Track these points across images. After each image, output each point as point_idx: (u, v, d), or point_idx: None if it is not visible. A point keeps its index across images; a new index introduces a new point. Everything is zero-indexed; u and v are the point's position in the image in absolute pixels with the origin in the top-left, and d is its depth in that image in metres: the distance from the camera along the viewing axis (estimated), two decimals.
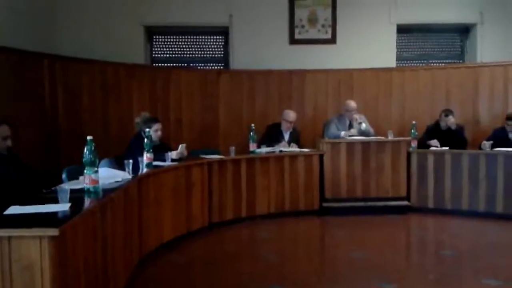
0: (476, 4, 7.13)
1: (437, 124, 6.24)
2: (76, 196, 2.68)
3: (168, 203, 4.56)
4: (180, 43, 7.43)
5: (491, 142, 5.82)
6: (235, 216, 5.52)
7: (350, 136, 6.07)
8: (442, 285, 3.72)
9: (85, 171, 2.81)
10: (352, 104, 6.22)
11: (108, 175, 3.29)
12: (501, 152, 5.64)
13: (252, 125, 5.78)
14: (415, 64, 7.48)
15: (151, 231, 4.17)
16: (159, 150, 4.79)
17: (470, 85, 6.70)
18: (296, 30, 7.19)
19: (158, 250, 4.33)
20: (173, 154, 4.98)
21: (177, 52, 7.42)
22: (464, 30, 7.47)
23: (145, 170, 4.21)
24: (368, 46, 7.14)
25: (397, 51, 7.29)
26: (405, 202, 5.95)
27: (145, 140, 4.36)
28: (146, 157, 4.30)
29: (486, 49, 7.14)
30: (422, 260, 4.54)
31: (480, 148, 5.87)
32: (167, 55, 7.38)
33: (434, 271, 4.04)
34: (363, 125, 6.14)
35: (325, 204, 5.90)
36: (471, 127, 6.50)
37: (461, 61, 7.51)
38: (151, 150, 4.35)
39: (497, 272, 3.89)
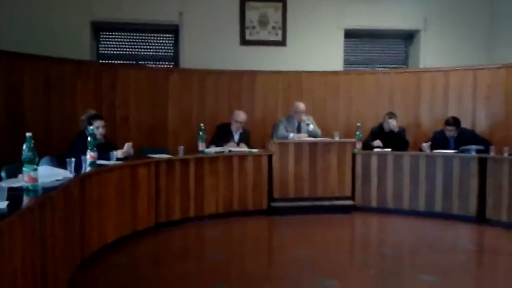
0: (420, 12, 7.43)
1: (381, 126, 6.45)
2: (14, 195, 2.58)
3: (113, 203, 4.45)
4: (128, 40, 7.29)
5: (430, 143, 6.08)
6: (183, 216, 5.48)
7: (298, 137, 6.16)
8: (381, 281, 3.84)
9: (23, 168, 2.71)
10: (301, 106, 6.32)
11: (48, 174, 3.18)
12: (440, 154, 5.90)
13: (202, 124, 5.76)
14: (361, 68, 7.70)
15: (94, 231, 4.06)
16: (104, 149, 4.70)
17: (412, 89, 6.96)
18: (247, 31, 7.23)
19: (102, 251, 4.23)
20: (118, 153, 4.89)
21: (125, 50, 7.27)
22: (408, 36, 7.77)
23: (88, 169, 4.11)
24: (317, 49, 7.29)
25: (344, 55, 7.48)
26: (350, 202, 6.11)
27: (89, 138, 4.25)
28: (90, 155, 4.21)
29: (428, 55, 7.45)
30: (364, 257, 4.68)
31: (420, 150, 6.12)
32: (115, 52, 7.22)
33: (374, 267, 4.18)
34: (311, 126, 6.26)
35: (273, 204, 5.96)
36: (413, 129, 6.74)
37: (404, 66, 7.80)
38: (94, 149, 4.25)
39: (434, 268, 4.07)
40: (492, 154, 5.60)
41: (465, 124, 6.27)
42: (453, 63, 6.94)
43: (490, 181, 5.54)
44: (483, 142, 5.89)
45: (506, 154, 5.43)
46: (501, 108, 6.33)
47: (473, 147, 5.77)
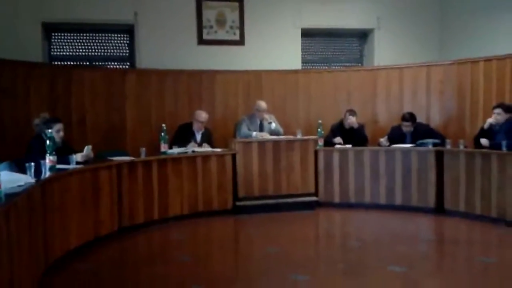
0: (373, 11, 7.62)
1: (341, 123, 6.56)
2: None
3: (74, 208, 4.29)
4: (81, 41, 7.05)
5: (386, 137, 6.26)
6: (147, 219, 5.36)
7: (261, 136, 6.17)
8: (351, 273, 3.90)
9: None
10: (263, 104, 6.33)
11: (10, 179, 3.01)
12: (398, 148, 6.07)
13: (164, 125, 5.65)
14: (318, 67, 7.80)
15: (56, 238, 3.90)
16: (62, 153, 4.53)
17: (369, 86, 7.13)
18: (205, 31, 7.17)
19: (65, 258, 4.06)
20: (78, 157, 4.72)
21: (78, 51, 7.03)
22: (363, 35, 7.96)
23: (48, 173, 3.93)
24: (275, 48, 7.32)
25: (301, 54, 7.56)
26: (313, 198, 6.19)
27: (47, 142, 4.09)
28: (49, 160, 4.05)
29: (382, 53, 7.65)
30: (332, 252, 4.72)
31: (379, 145, 6.27)
32: (67, 54, 6.96)
33: (343, 261, 4.25)
34: (273, 125, 6.29)
35: (238, 203, 5.94)
36: (370, 125, 6.90)
37: (360, 64, 7.98)
38: (54, 153, 4.09)
39: (400, 259, 4.17)
40: (448, 147, 5.81)
41: (420, 118, 6.48)
42: (407, 60, 7.17)
43: (447, 173, 5.76)
44: (438, 136, 6.12)
45: (462, 147, 5.65)
46: (453, 103, 6.58)
47: (430, 140, 5.98)
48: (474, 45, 6.89)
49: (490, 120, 5.51)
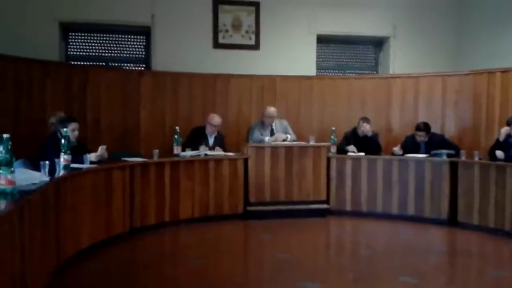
0: (389, 19, 7.58)
1: (354, 130, 6.53)
2: None
3: (87, 208, 4.32)
4: (98, 41, 7.11)
5: (400, 146, 6.21)
6: (158, 221, 5.37)
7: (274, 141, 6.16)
8: (362, 283, 3.86)
9: (0, 171, 2.58)
10: (271, 110, 6.32)
11: (24, 177, 3.04)
12: (412, 158, 6.02)
13: (177, 128, 5.67)
14: (332, 73, 7.78)
15: (68, 237, 3.92)
16: (76, 152, 4.55)
17: (383, 94, 7.09)
18: (220, 35, 7.19)
19: (76, 257, 4.08)
20: (92, 156, 4.75)
21: (94, 51, 7.08)
22: (378, 43, 7.93)
23: (62, 172, 3.96)
24: (290, 54, 7.32)
25: (316, 60, 7.55)
26: (324, 206, 6.15)
27: (62, 140, 4.12)
28: (64, 158, 4.08)
29: (397, 61, 7.61)
30: (343, 260, 4.70)
31: (392, 154, 6.23)
32: (84, 54, 7.02)
33: (354, 270, 4.21)
34: (289, 137, 6.27)
35: (249, 208, 5.93)
36: (384, 134, 6.85)
37: (374, 72, 7.94)
38: (68, 152, 4.12)
39: (412, 270, 4.13)
40: (463, 158, 5.75)
41: (435, 129, 6.43)
42: (422, 70, 7.12)
43: (461, 185, 5.69)
44: (453, 147, 6.05)
45: (476, 158, 5.59)
46: (469, 114, 6.52)
47: (444, 151, 5.91)
48: (491, 55, 6.82)
49: (504, 131, 5.44)
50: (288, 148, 6.05)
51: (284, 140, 6.22)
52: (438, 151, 5.94)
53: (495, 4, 6.96)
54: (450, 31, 7.64)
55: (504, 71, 6.13)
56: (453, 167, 5.78)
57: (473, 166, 5.56)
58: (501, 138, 5.49)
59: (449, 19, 7.65)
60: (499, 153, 5.39)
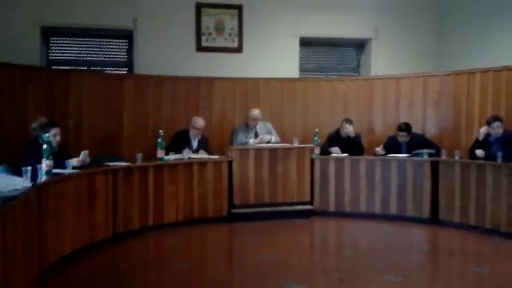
0: (371, 21, 7.67)
1: (337, 132, 6.59)
2: None
3: (70, 213, 4.28)
4: (79, 45, 7.06)
5: (381, 146, 6.28)
6: (142, 225, 5.35)
7: (258, 144, 6.18)
8: (347, 283, 3.90)
9: None
10: (256, 112, 6.35)
11: (6, 183, 3.00)
12: (394, 158, 6.10)
13: (161, 131, 5.65)
14: (315, 75, 7.84)
15: (51, 243, 3.88)
16: (58, 157, 4.50)
17: (365, 96, 7.16)
18: (203, 38, 7.19)
19: (59, 263, 4.04)
20: (74, 161, 4.70)
21: (76, 55, 7.03)
22: (360, 45, 8.00)
23: (44, 178, 3.93)
24: (273, 56, 7.35)
25: (299, 63, 7.59)
26: (309, 207, 6.19)
27: (44, 146, 4.08)
28: (45, 164, 4.04)
29: (379, 63, 7.70)
30: (328, 261, 4.73)
31: (375, 154, 6.30)
32: (66, 58, 6.97)
33: (339, 270, 4.25)
34: (273, 138, 6.29)
35: (233, 211, 5.93)
36: (367, 135, 6.92)
37: (357, 74, 8.02)
38: (50, 157, 4.08)
39: (395, 269, 4.19)
40: (443, 157, 5.84)
41: (416, 129, 6.52)
42: (403, 71, 7.21)
43: (442, 184, 5.79)
44: (434, 146, 6.15)
45: (457, 158, 5.68)
46: (449, 114, 6.62)
47: (425, 151, 6.00)
48: (471, 56, 6.96)
49: (484, 131, 5.54)
50: (272, 150, 6.08)
51: (268, 142, 6.24)
52: (420, 151, 6.02)
53: (475, 6, 7.09)
54: (430, 32, 7.76)
55: (484, 72, 6.23)
56: (434, 166, 5.87)
57: (454, 165, 5.66)
58: (480, 138, 5.59)
59: (430, 21, 7.77)
60: (479, 152, 5.49)
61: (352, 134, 6.47)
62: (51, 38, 6.90)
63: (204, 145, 6.23)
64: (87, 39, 7.06)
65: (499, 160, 5.21)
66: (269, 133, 6.44)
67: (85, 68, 6.97)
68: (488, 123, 5.52)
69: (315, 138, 6.41)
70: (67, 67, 6.86)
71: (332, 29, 7.59)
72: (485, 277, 4.07)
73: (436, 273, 4.34)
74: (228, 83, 6.94)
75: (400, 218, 5.98)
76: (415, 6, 7.76)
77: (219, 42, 7.26)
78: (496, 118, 5.49)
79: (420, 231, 5.68)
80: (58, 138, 4.72)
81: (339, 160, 6.28)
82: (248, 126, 6.40)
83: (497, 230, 5.17)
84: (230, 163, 5.96)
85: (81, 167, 4.76)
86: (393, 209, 6.07)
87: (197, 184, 5.79)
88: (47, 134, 4.28)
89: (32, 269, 3.38)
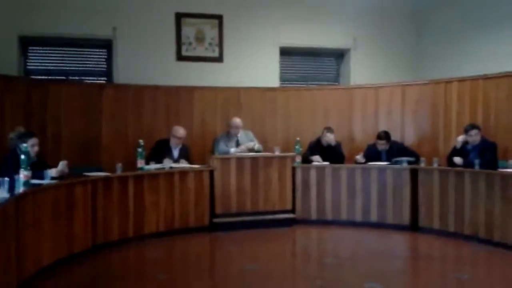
0: (350, 32, 7.78)
1: (318, 140, 6.63)
2: None
3: (48, 224, 4.20)
4: (58, 55, 6.98)
5: (362, 154, 6.34)
6: (121, 236, 5.26)
7: (239, 152, 6.18)
8: None
9: None
10: (237, 121, 6.35)
11: None
12: (375, 166, 6.16)
13: (141, 141, 5.60)
14: (295, 85, 7.90)
15: (29, 255, 3.80)
16: (37, 168, 4.45)
17: (345, 105, 7.23)
18: (184, 47, 7.19)
19: (38, 275, 3.95)
20: (53, 172, 4.64)
21: (54, 65, 6.95)
22: (340, 55, 8.10)
23: (22, 188, 3.85)
24: (253, 65, 7.39)
25: (280, 72, 7.64)
26: (291, 215, 6.19)
27: (22, 156, 4.01)
28: (23, 174, 3.97)
29: (358, 72, 7.80)
30: (310, 269, 4.73)
31: (355, 162, 6.35)
32: (44, 68, 6.88)
33: (321, 278, 4.24)
34: (256, 145, 6.29)
35: (215, 220, 5.90)
36: (347, 143, 6.97)
37: (336, 83, 8.11)
38: (28, 167, 4.01)
39: (377, 276, 4.21)
40: (422, 165, 5.92)
41: (395, 137, 6.60)
42: (381, 80, 7.31)
43: (421, 191, 5.86)
44: (413, 154, 6.23)
45: (436, 165, 5.77)
46: (428, 122, 6.72)
47: (404, 159, 6.08)
48: (448, 66, 7.11)
49: (461, 139, 5.64)
50: (254, 159, 6.08)
51: (252, 149, 6.23)
52: (399, 159, 6.10)
53: (451, 17, 7.27)
54: (408, 42, 7.91)
55: (461, 81, 6.36)
56: (414, 173, 5.95)
57: (433, 173, 5.74)
58: (458, 146, 5.68)
59: (407, 31, 7.93)
60: (457, 159, 5.58)
61: (333, 143, 6.52)
62: (29, 48, 6.82)
63: (185, 154, 6.20)
64: (65, 49, 6.99)
65: (477, 168, 5.30)
66: (251, 141, 6.44)
67: (63, 78, 6.89)
68: (466, 131, 5.61)
69: (296, 146, 6.43)
70: (45, 77, 6.77)
71: (312, 39, 7.68)
72: (465, 283, 4.12)
73: (416, 279, 4.39)
74: (209, 92, 6.94)
75: (380, 226, 6.03)
76: (392, 17, 7.91)
77: (200, 52, 7.26)
78: (473, 126, 5.59)
79: (401, 238, 5.73)
80: (36, 148, 4.66)
81: (320, 169, 6.32)
82: (229, 135, 6.40)
83: (476, 236, 5.25)
84: (211, 172, 5.94)
85: (59, 177, 4.70)
86: (373, 217, 6.12)
87: (178, 193, 5.75)
88: (25, 144, 4.21)
89: (10, 281, 3.30)
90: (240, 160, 6.01)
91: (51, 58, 6.97)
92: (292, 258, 5.29)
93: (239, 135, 6.39)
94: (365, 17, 7.83)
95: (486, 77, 6.05)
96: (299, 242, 5.88)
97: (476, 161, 5.33)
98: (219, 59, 7.32)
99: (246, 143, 6.36)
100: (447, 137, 6.44)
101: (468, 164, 5.46)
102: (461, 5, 7.14)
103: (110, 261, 4.82)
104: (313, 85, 7.91)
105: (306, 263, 5.04)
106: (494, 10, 6.60)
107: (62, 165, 4.80)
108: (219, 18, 7.32)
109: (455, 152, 5.70)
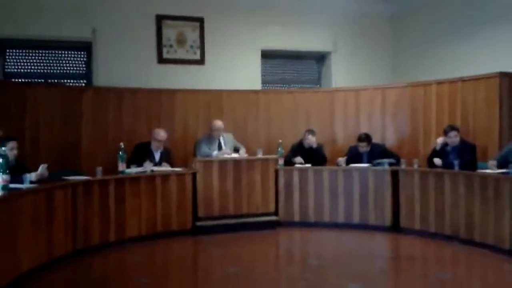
0: (330, 35, 7.88)
1: (300, 143, 6.65)
2: None
3: (27, 229, 4.13)
4: (37, 57, 6.89)
5: (345, 158, 6.39)
6: (102, 241, 5.20)
7: (222, 155, 6.15)
8: None
9: None
10: (219, 123, 6.33)
11: None
12: (356, 168, 6.20)
13: (121, 144, 5.54)
14: (277, 87, 7.92)
15: (8, 260, 3.73)
16: (16, 172, 4.37)
17: (327, 107, 7.27)
18: (164, 49, 7.16)
19: (17, 281, 3.88)
20: (32, 176, 4.56)
21: (33, 68, 6.85)
22: (320, 58, 8.17)
23: (0, 193, 3.78)
24: (235, 68, 7.41)
25: (262, 75, 7.66)
26: (274, 217, 6.19)
27: (0, 160, 3.93)
28: (2, 179, 3.94)
29: (339, 75, 7.90)
30: (293, 270, 4.73)
31: (337, 165, 6.39)
32: (22, 71, 6.76)
33: (304, 279, 4.25)
34: (241, 152, 6.28)
35: (198, 223, 5.86)
36: (329, 145, 7.01)
37: (318, 86, 8.16)
38: (7, 171, 3.95)
39: (359, 276, 4.24)
40: (403, 166, 5.99)
41: (376, 139, 6.66)
42: (362, 83, 7.39)
43: (402, 192, 5.93)
44: (393, 156, 6.30)
45: (416, 166, 5.85)
46: (407, 124, 6.81)
47: (385, 160, 6.14)
48: (427, 69, 7.25)
49: (441, 140, 5.73)
50: (236, 162, 6.06)
51: (237, 151, 6.24)
52: (380, 161, 6.16)
53: (429, 21, 7.41)
54: (387, 45, 8.03)
55: (439, 83, 6.45)
56: (394, 175, 6.01)
57: (413, 174, 5.81)
58: (438, 147, 5.77)
59: (387, 34, 8.05)
60: (437, 161, 5.66)
61: (315, 145, 6.55)
62: (7, 50, 6.72)
63: (166, 157, 6.15)
64: (44, 51, 6.92)
65: (456, 169, 5.39)
66: (233, 144, 6.42)
67: (42, 80, 6.79)
68: (445, 133, 5.70)
69: (279, 149, 6.45)
70: (24, 80, 6.66)
71: (293, 42, 7.74)
72: (446, 282, 4.17)
73: (398, 279, 4.43)
74: (191, 95, 6.90)
75: (363, 227, 6.07)
76: (372, 21, 8.03)
77: (181, 54, 7.24)
78: (452, 128, 5.68)
79: (383, 239, 5.78)
80: (15, 152, 4.59)
81: (302, 171, 6.34)
82: (211, 137, 6.37)
83: (456, 236, 5.32)
84: (194, 175, 5.90)
85: (39, 181, 4.61)
86: (356, 218, 6.16)
87: (160, 197, 5.70)
88: (3, 148, 4.13)
89: None
90: (222, 162, 5.99)
91: (29, 60, 6.87)
92: (275, 261, 5.28)
93: (221, 138, 6.36)
94: (345, 21, 7.93)
95: (464, 80, 6.15)
96: (282, 244, 5.88)
97: (456, 162, 5.42)
98: (201, 61, 7.31)
99: (229, 145, 6.33)
100: (427, 138, 6.53)
101: (447, 165, 5.54)
102: (437, 10, 7.27)
103: (91, 266, 4.76)
104: (294, 88, 7.96)
105: (289, 265, 5.05)
106: (467, 16, 6.75)
107: (42, 168, 4.72)
108: (200, 21, 7.32)
109: (435, 153, 5.78)
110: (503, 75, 5.70)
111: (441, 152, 5.73)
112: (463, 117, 6.13)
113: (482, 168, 5.27)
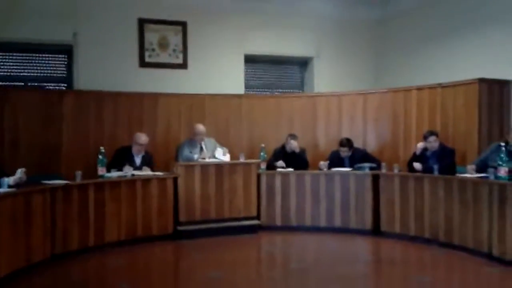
0: (313, 40, 7.93)
1: (283, 147, 6.67)
2: None
3: (5, 234, 4.08)
4: (16, 60, 6.78)
5: (327, 162, 6.43)
6: (81, 246, 5.13)
7: (203, 159, 6.13)
8: None
9: None
10: (200, 127, 6.29)
11: None
12: (338, 172, 6.24)
13: (102, 148, 5.49)
14: (260, 92, 7.94)
15: None
16: None
17: (309, 112, 7.30)
18: (147, 53, 7.12)
19: None
20: (10, 180, 4.48)
21: (12, 71, 6.74)
22: (303, 63, 8.21)
23: None
24: (218, 73, 7.39)
25: (245, 79, 7.67)
26: (256, 222, 6.18)
27: None
28: None
29: (322, 80, 7.94)
30: (275, 275, 4.74)
31: (319, 169, 6.42)
32: (1, 74, 6.65)
33: (286, 283, 4.27)
34: (227, 157, 6.26)
35: (179, 228, 5.82)
36: (311, 150, 7.04)
37: (300, 91, 8.20)
38: None
39: (341, 280, 4.27)
40: (383, 171, 6.04)
41: (357, 144, 6.70)
42: (344, 88, 7.45)
43: (383, 196, 5.98)
44: (374, 160, 6.35)
45: (396, 171, 5.90)
46: (388, 129, 6.87)
47: (366, 165, 6.19)
48: (407, 74, 7.35)
49: (421, 145, 5.80)
50: (219, 166, 6.04)
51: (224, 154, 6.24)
52: (361, 165, 6.21)
53: (410, 28, 7.49)
54: (369, 51, 8.12)
55: (420, 89, 6.53)
56: (375, 179, 6.06)
57: (393, 178, 5.87)
58: (418, 152, 5.83)
59: (369, 40, 8.13)
60: (417, 165, 5.73)
61: (297, 149, 6.57)
62: None
63: (148, 161, 6.10)
64: (24, 54, 6.80)
65: (436, 173, 5.46)
66: (216, 148, 6.40)
67: (22, 84, 6.69)
68: (425, 138, 5.77)
69: (261, 153, 6.45)
70: (3, 83, 6.56)
71: (276, 47, 7.76)
72: (426, 285, 4.21)
73: (379, 282, 4.47)
74: (173, 99, 6.87)
75: (344, 230, 6.10)
76: (354, 27, 8.10)
77: (163, 58, 7.21)
78: (432, 133, 5.76)
79: (364, 243, 5.82)
80: None
81: (285, 175, 6.35)
82: (193, 142, 6.34)
83: (436, 240, 5.39)
84: (175, 180, 5.87)
85: (17, 185, 4.54)
86: (337, 222, 6.19)
87: (140, 201, 5.64)
88: None
89: None
90: (204, 167, 5.96)
91: (9, 63, 6.76)
92: (257, 265, 5.27)
93: (203, 142, 6.34)
94: (328, 27, 7.99)
95: (443, 86, 6.23)
96: (264, 248, 5.87)
97: (435, 167, 5.49)
98: (183, 65, 7.28)
99: (211, 149, 6.31)
100: (407, 143, 6.59)
101: (427, 169, 5.61)
102: (418, 17, 7.36)
103: (70, 271, 4.69)
104: (277, 93, 7.99)
105: (271, 269, 5.05)
106: (447, 24, 6.82)
107: (20, 172, 4.64)
108: (183, 25, 7.29)
109: (415, 158, 5.84)
110: (482, 81, 5.80)
111: (421, 156, 5.80)
112: (442, 122, 6.22)
113: (461, 172, 5.35)
